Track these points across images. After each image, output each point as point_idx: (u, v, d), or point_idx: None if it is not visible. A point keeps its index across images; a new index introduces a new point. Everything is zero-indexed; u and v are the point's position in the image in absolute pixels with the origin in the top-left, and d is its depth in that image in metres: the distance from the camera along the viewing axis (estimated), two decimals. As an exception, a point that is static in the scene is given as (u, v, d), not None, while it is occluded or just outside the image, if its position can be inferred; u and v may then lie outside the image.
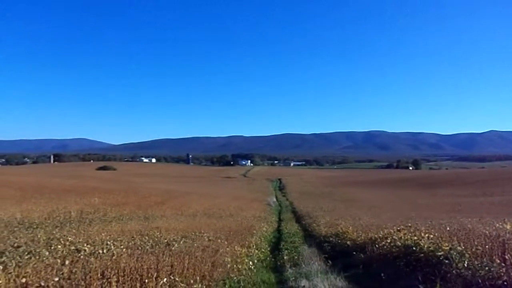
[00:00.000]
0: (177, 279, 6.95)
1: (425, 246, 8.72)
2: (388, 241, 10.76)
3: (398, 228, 11.79)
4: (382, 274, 8.65)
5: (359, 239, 13.63)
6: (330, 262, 11.33)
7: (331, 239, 15.89)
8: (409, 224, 12.53)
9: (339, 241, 14.88)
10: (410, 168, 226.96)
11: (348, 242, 13.90)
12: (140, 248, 9.98)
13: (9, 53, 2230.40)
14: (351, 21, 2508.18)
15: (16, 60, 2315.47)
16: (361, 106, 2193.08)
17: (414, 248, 9.01)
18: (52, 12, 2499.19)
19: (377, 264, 9.95)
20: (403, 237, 10.37)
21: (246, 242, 13.20)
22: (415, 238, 9.70)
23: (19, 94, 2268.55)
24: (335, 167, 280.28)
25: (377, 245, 11.06)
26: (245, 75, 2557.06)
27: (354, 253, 11.96)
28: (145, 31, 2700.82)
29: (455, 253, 7.56)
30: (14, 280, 6.08)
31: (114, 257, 8.18)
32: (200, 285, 7.12)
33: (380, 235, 11.95)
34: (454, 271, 7.03)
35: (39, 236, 11.67)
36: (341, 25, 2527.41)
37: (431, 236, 9.70)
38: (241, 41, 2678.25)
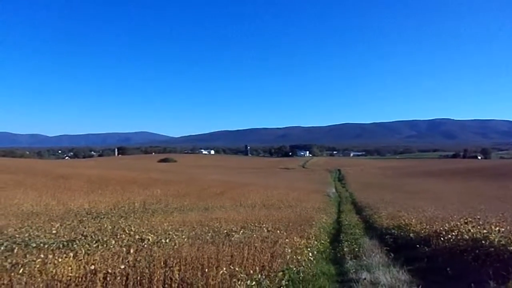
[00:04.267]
0: (237, 269, 7.00)
1: (496, 240, 8.25)
2: (455, 234, 10.29)
3: (466, 221, 11.26)
4: (448, 269, 8.29)
5: (423, 231, 13.11)
6: (392, 254, 11.04)
7: (393, 231, 15.41)
8: (478, 217, 11.93)
9: (402, 233, 14.40)
10: (479, 157, 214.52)
11: (411, 235, 13.41)
12: (200, 238, 10.19)
13: (79, 55, 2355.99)
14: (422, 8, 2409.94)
15: (84, 61, 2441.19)
16: (425, 93, 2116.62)
17: (483, 242, 8.55)
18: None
19: (443, 258, 9.54)
20: (471, 230, 9.89)
21: (306, 233, 13.08)
22: (485, 231, 9.22)
23: (86, 91, 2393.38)
24: (397, 157, 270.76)
25: (442, 238, 10.59)
26: (304, 65, 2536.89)
27: (418, 246, 11.51)
28: (205, 28, 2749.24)
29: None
30: (84, 267, 6.41)
31: (176, 247, 8.41)
32: (259, 276, 7.13)
33: (446, 228, 11.45)
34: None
35: (105, 225, 12.24)
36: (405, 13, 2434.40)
37: (502, 229, 9.17)
38: (300, 29, 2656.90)
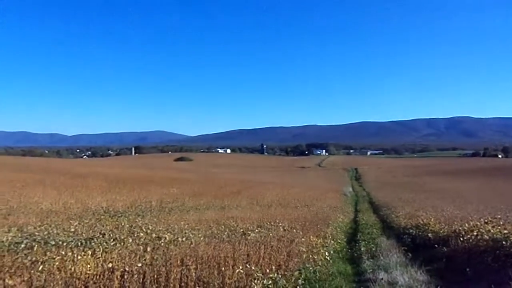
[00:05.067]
0: (253, 268, 7.01)
1: (517, 240, 8.09)
2: (474, 234, 10.13)
3: (486, 221, 11.09)
4: (467, 269, 8.17)
5: (441, 231, 12.93)
6: (410, 254, 10.92)
7: (411, 231, 15.23)
8: (498, 216, 11.73)
9: (420, 233, 14.21)
10: (499, 156, 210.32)
11: (430, 235, 13.22)
12: (217, 237, 10.24)
13: (96, 55, 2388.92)
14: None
15: (101, 61, 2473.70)
16: (444, 91, 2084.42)
17: (504, 243, 8.40)
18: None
19: (462, 259, 9.40)
20: (491, 230, 9.73)
21: (322, 233, 13.04)
22: (505, 231, 9.07)
23: (103, 91, 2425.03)
24: (415, 155, 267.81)
25: (461, 238, 10.43)
26: (321, 64, 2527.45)
27: (436, 246, 11.36)
28: (220, 26, 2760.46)
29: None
30: (102, 264, 6.49)
31: (192, 245, 8.46)
32: (276, 274, 7.12)
33: (465, 228, 11.27)
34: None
35: (123, 224, 12.37)
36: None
37: (524, 230, 8.99)
38: (316, 28, 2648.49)
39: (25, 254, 6.79)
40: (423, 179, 76.81)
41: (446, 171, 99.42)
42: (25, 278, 5.77)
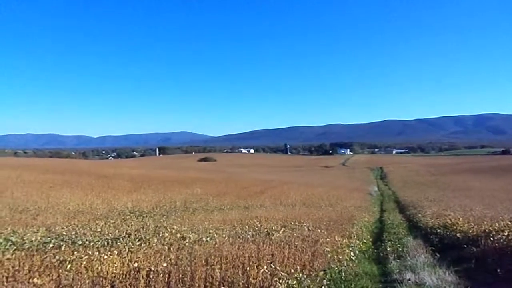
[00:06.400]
0: (277, 268, 6.98)
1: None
2: (506, 234, 9.88)
3: (517, 220, 10.75)
4: (498, 270, 7.95)
5: (470, 231, 12.62)
6: (437, 255, 10.69)
7: (438, 230, 14.93)
8: (530, 216, 11.37)
9: (448, 233, 13.90)
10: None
11: (458, 235, 12.93)
12: (241, 236, 10.23)
13: (122, 57, 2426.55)
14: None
15: (126, 63, 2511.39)
16: (471, 87, 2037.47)
17: (537, 243, 8.13)
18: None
19: (492, 259, 9.15)
20: (523, 230, 9.43)
21: (347, 233, 12.91)
22: (538, 231, 8.76)
23: (128, 93, 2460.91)
24: (442, 154, 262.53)
25: (491, 238, 10.17)
26: (344, 63, 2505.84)
27: (465, 246, 11.11)
28: (242, 27, 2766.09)
29: None
30: (128, 264, 6.55)
31: (217, 245, 8.48)
32: (300, 275, 7.07)
33: (496, 228, 11.01)
34: None
35: (148, 224, 12.51)
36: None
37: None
38: (340, 27, 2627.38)
39: (53, 254, 6.91)
40: (450, 177, 75.14)
41: (474, 169, 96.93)
42: (54, 277, 5.88)
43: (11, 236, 8.55)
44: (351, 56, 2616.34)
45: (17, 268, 6.02)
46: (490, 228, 11.37)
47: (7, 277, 5.70)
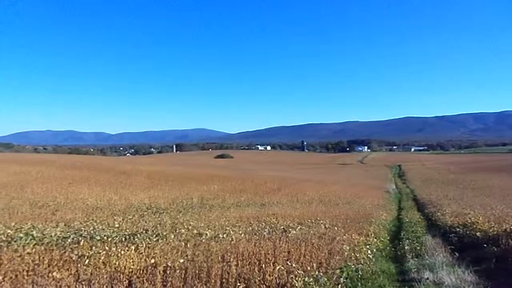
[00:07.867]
0: (294, 265, 6.97)
1: None
2: (527, 233, 9.64)
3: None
4: (520, 270, 7.78)
5: (491, 230, 12.40)
6: (456, 254, 10.53)
7: (457, 229, 14.69)
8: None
9: (467, 232, 13.67)
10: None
11: (478, 234, 12.71)
12: (257, 233, 10.25)
13: (138, 56, 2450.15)
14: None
15: (143, 61, 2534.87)
16: (492, 84, 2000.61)
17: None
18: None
19: (513, 259, 8.97)
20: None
21: (364, 231, 12.81)
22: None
23: (146, 90, 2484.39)
24: (462, 151, 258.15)
25: (513, 238, 9.97)
26: (361, 59, 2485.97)
27: (485, 245, 10.92)
28: (257, 25, 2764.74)
29: None
30: (145, 260, 6.62)
31: (233, 242, 8.51)
32: (317, 272, 7.05)
33: (517, 227, 10.76)
34: None
35: (165, 220, 12.62)
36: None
37: None
38: (358, 25, 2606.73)
39: (72, 249, 7.03)
40: (470, 176, 73.85)
41: (495, 167, 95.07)
42: (72, 272, 5.98)
43: (32, 231, 8.71)
44: (369, 53, 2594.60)
45: (37, 262, 6.14)
46: (511, 227, 11.14)
47: (27, 271, 5.81)
